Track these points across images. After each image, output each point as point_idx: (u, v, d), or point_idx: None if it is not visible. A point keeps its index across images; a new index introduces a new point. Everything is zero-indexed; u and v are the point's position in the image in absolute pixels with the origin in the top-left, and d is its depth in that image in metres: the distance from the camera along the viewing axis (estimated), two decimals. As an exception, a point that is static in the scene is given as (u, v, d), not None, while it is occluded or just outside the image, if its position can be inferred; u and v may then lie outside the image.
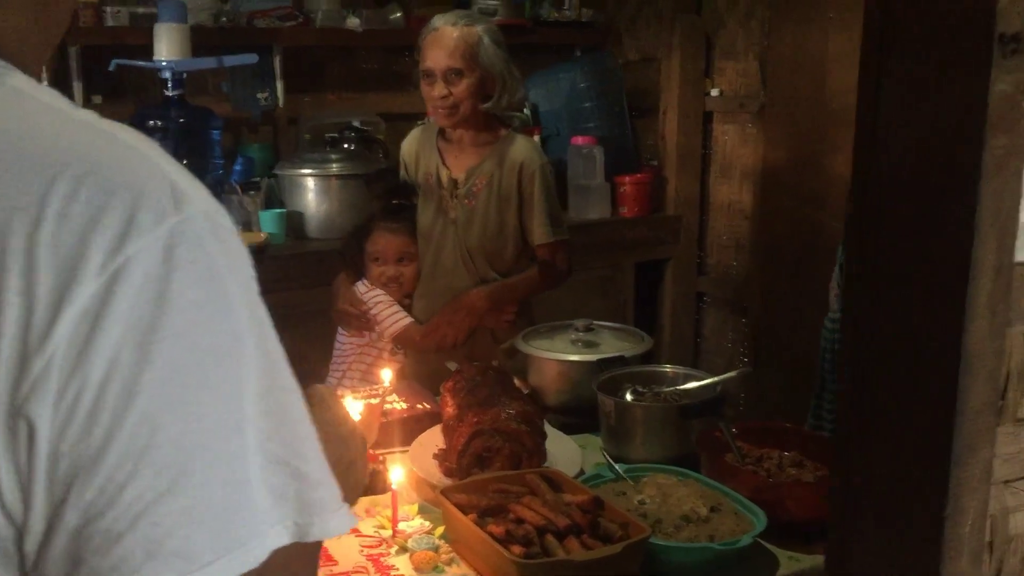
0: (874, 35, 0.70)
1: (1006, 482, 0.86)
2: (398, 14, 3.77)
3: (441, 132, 2.55)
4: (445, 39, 2.38)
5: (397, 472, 1.52)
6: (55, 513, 0.47)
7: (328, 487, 0.56)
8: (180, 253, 0.51)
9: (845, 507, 0.76)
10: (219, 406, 0.51)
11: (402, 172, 2.64)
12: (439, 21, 2.43)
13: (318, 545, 0.57)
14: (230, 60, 3.35)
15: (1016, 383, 0.83)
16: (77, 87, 3.42)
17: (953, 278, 0.67)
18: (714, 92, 3.84)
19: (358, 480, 0.84)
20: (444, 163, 2.52)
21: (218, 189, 3.38)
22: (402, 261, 2.55)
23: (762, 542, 1.52)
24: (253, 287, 0.57)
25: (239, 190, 3.36)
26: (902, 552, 0.72)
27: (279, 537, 0.51)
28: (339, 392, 2.08)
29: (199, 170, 3.34)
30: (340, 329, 2.64)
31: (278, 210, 3.34)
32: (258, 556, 0.50)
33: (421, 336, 2.49)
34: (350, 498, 0.84)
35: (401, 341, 2.54)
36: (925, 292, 0.71)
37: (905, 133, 0.71)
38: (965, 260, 0.66)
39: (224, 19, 3.51)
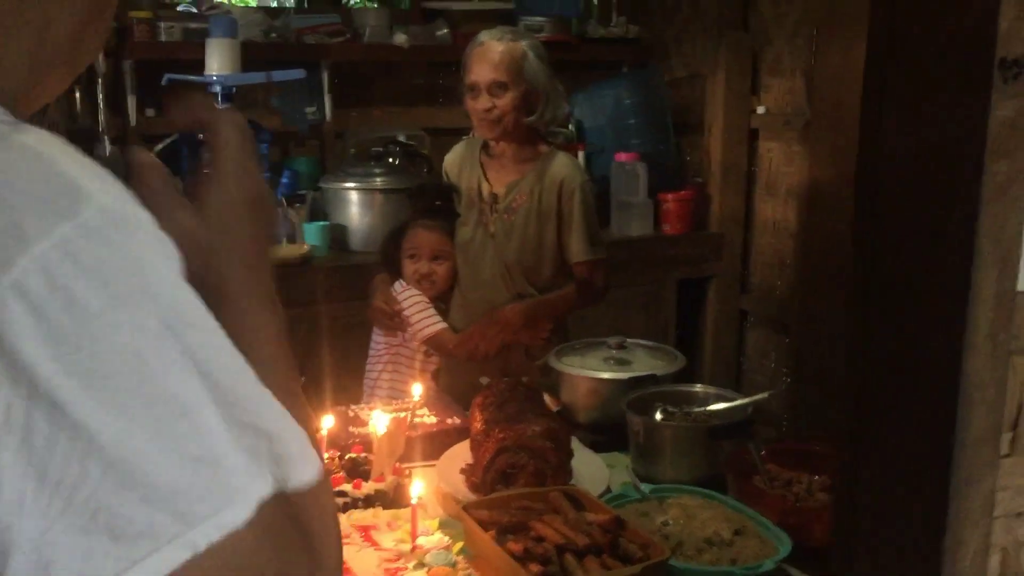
0: (878, 58, 0.69)
1: (1019, 514, 0.83)
2: (444, 30, 3.80)
3: (484, 147, 2.57)
4: (490, 53, 2.41)
5: (417, 486, 1.53)
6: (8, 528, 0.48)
7: (294, 440, 0.56)
8: (82, 255, 0.50)
9: (848, 538, 0.75)
10: (156, 397, 0.50)
11: (444, 180, 2.67)
12: (485, 36, 2.46)
13: (300, 505, 0.56)
14: (279, 75, 3.41)
15: (1028, 414, 0.81)
16: (131, 101, 3.51)
17: (953, 305, 0.66)
18: (760, 109, 3.81)
19: (269, 213, 0.78)
20: (486, 177, 2.55)
21: (264, 201, 3.44)
22: (437, 259, 2.57)
23: (786, 567, 1.49)
24: (171, 274, 0.55)
25: (285, 203, 3.41)
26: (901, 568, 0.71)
27: (264, 486, 0.51)
28: (373, 404, 2.09)
29: (246, 183, 3.40)
30: (375, 329, 2.67)
31: (322, 223, 3.38)
32: (248, 507, 0.50)
33: (453, 345, 2.51)
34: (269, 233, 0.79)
35: (432, 345, 2.56)
36: (926, 319, 0.70)
37: (907, 157, 0.69)
38: (965, 287, 0.64)
39: (274, 35, 3.58)
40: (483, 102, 2.41)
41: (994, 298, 0.65)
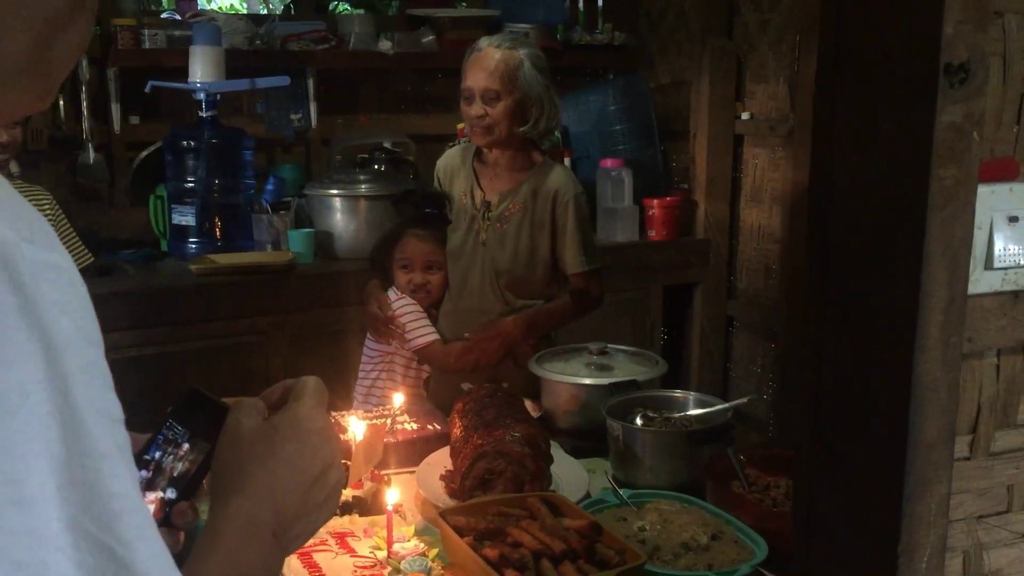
0: (828, 62, 0.69)
1: (979, 518, 0.84)
2: (430, 37, 3.81)
3: (478, 153, 2.57)
4: (486, 60, 2.41)
5: (393, 493, 1.53)
6: None
7: None
8: None
9: (805, 542, 0.75)
10: None
11: (436, 184, 2.66)
12: (484, 42, 2.46)
13: None
14: (263, 82, 3.41)
15: (987, 416, 0.82)
16: (115, 108, 3.51)
17: (904, 310, 0.66)
18: (745, 116, 3.82)
19: (334, 489, 0.79)
20: (479, 184, 2.54)
21: (248, 208, 3.44)
22: (430, 269, 2.57)
23: (763, 571, 1.49)
24: (59, 329, 0.45)
25: (269, 209, 3.41)
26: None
27: None
28: (352, 411, 2.09)
29: (230, 190, 3.41)
30: (368, 337, 2.66)
31: (307, 230, 3.38)
32: None
33: (455, 358, 2.49)
34: (328, 507, 0.79)
35: (423, 356, 2.55)
36: (878, 323, 0.70)
37: (857, 162, 0.70)
38: (914, 291, 0.65)
39: (259, 42, 3.58)
40: (476, 109, 2.41)
41: (945, 301, 0.66)
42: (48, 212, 2.65)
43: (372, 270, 2.70)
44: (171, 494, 0.74)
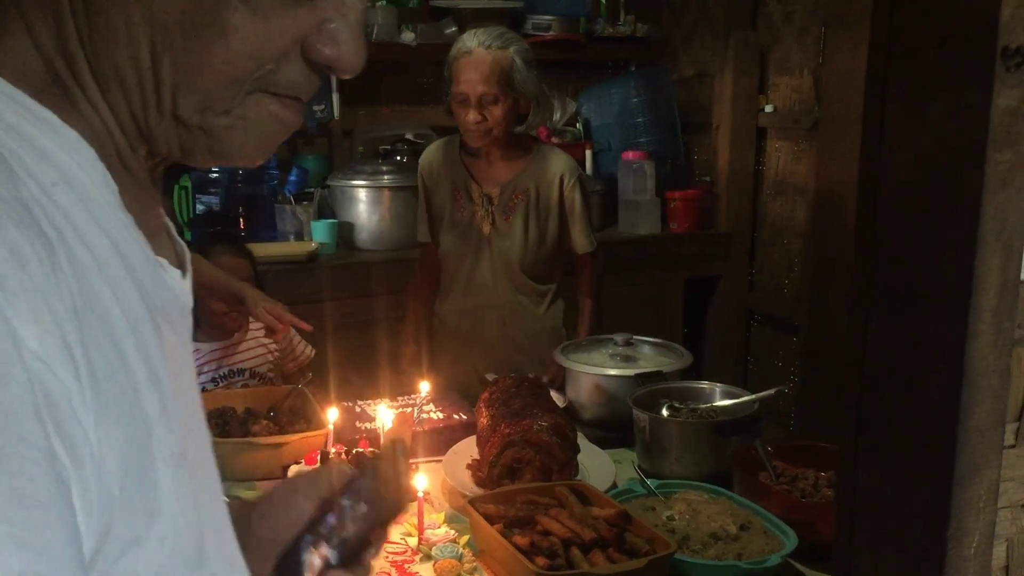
0: (880, 47, 0.69)
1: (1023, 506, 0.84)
2: (453, 28, 3.81)
3: (464, 146, 2.53)
4: (479, 64, 2.34)
5: (422, 480, 1.54)
6: None
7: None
8: None
9: (849, 526, 0.75)
10: None
11: (420, 185, 2.60)
12: (472, 42, 2.37)
13: None
14: (287, 73, 3.42)
15: (1034, 404, 0.81)
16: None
17: (956, 294, 0.66)
18: (768, 108, 3.80)
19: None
20: (473, 178, 2.52)
21: (272, 199, 3.45)
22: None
23: (792, 562, 1.50)
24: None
25: (292, 200, 3.43)
26: (905, 573, 0.71)
27: None
28: (370, 402, 2.09)
29: (254, 180, 3.42)
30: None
31: (330, 220, 3.39)
32: None
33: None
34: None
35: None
36: (929, 308, 0.70)
37: (910, 147, 0.70)
38: (968, 276, 0.64)
39: (282, 33, 3.58)
40: (473, 115, 2.36)
41: (998, 286, 0.65)
42: None
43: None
44: (333, 557, 0.75)
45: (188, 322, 0.65)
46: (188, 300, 0.65)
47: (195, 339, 2.39)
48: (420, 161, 2.62)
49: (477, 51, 2.35)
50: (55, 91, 0.56)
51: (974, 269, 0.64)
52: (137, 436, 0.52)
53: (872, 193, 0.73)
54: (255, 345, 2.45)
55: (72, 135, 0.55)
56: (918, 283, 0.71)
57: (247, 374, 2.41)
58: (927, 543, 0.71)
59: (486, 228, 2.49)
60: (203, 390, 2.31)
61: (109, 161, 0.57)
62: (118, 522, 0.49)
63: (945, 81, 0.67)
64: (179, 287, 0.63)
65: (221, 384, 2.35)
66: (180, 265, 0.67)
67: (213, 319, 2.33)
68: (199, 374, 2.33)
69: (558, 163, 2.49)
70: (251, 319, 2.35)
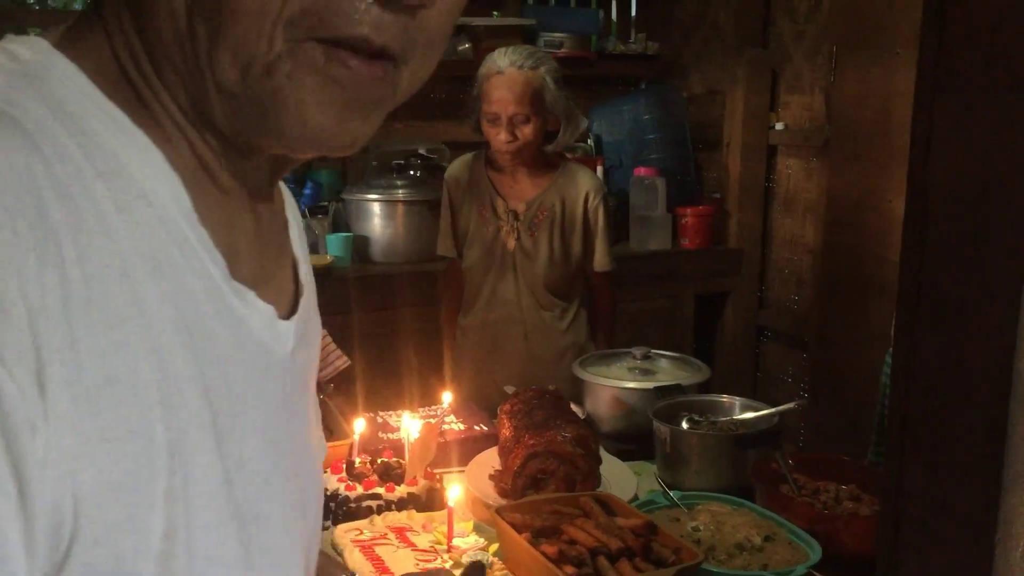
0: (928, 65, 0.71)
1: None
2: (466, 45, 3.85)
3: (490, 162, 2.57)
4: (511, 84, 2.38)
5: (455, 489, 1.55)
6: None
7: None
8: None
9: (894, 534, 0.77)
10: None
11: (445, 199, 2.64)
12: (503, 61, 2.41)
13: None
14: (303, 88, 3.46)
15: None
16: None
17: (1004, 304, 0.68)
18: (779, 126, 3.84)
19: None
20: (499, 194, 2.55)
21: (287, 212, 3.48)
22: None
23: (816, 574, 1.51)
24: None
25: (307, 213, 3.46)
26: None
27: None
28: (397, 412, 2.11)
29: (270, 193, 3.45)
30: None
31: (344, 234, 3.42)
32: None
33: None
34: None
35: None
36: (976, 318, 0.72)
37: (957, 161, 0.72)
38: (1017, 286, 0.67)
39: (298, 48, 3.62)
40: (504, 135, 2.40)
41: (1046, 297, 0.68)
42: None
43: None
44: None
45: (274, 362, 0.57)
46: (280, 342, 0.58)
47: None
48: (446, 176, 2.65)
49: (509, 70, 2.39)
50: (126, 91, 0.52)
51: (1022, 279, 0.67)
52: (131, 464, 0.46)
53: (919, 206, 0.75)
54: None
55: (141, 138, 0.51)
56: (965, 293, 0.73)
57: None
58: (975, 549, 0.72)
59: (511, 243, 2.52)
60: None
61: (184, 166, 0.53)
62: (84, 551, 0.44)
63: (992, 98, 0.70)
64: (261, 321, 0.56)
65: None
66: (286, 300, 0.61)
67: None
68: None
69: (584, 181, 2.53)
70: None
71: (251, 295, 0.56)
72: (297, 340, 0.61)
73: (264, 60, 0.49)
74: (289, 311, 0.62)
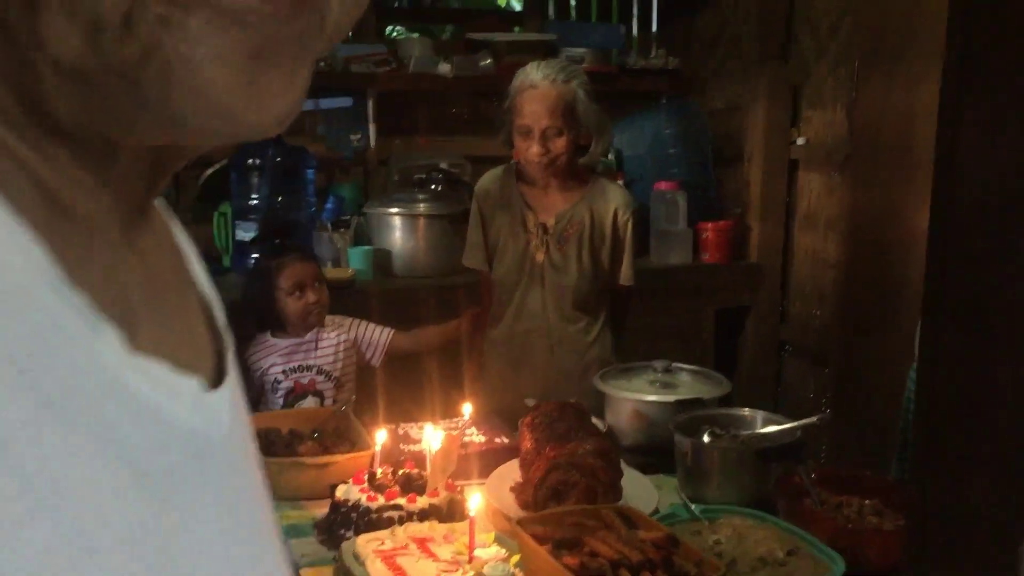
0: (954, 75, 0.72)
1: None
2: (488, 60, 3.87)
3: (520, 175, 2.59)
4: (544, 98, 2.40)
5: (476, 499, 1.56)
6: None
7: None
8: None
9: (920, 547, 0.77)
10: None
11: (474, 208, 2.66)
12: (536, 75, 2.43)
13: None
14: (326, 103, 3.50)
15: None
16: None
17: (1030, 313, 0.68)
18: (800, 141, 3.83)
19: None
20: (529, 207, 2.56)
21: (310, 226, 3.51)
22: (315, 285, 2.60)
23: (839, 588, 1.50)
24: None
25: (330, 227, 3.48)
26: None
27: None
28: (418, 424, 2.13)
29: (293, 207, 3.48)
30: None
31: (366, 247, 3.44)
32: None
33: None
34: None
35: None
36: (1002, 333, 0.72)
37: (982, 169, 0.72)
38: (1042, 297, 0.67)
39: (322, 63, 3.66)
40: (537, 148, 2.42)
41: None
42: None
43: (256, 326, 2.63)
44: None
45: (210, 452, 0.39)
46: (213, 422, 0.40)
47: (275, 334, 2.55)
48: (476, 189, 2.68)
49: (542, 84, 2.42)
50: None
51: (1048, 289, 0.67)
52: None
53: (943, 220, 0.75)
54: (327, 346, 2.62)
55: None
56: (993, 308, 0.73)
57: (315, 370, 2.58)
58: (1000, 560, 0.72)
59: (540, 256, 2.53)
60: (273, 380, 2.55)
61: (27, 207, 0.32)
62: None
63: (1018, 111, 0.70)
64: (182, 402, 0.37)
65: (290, 376, 2.55)
66: (207, 362, 0.44)
67: (296, 317, 2.55)
68: (271, 366, 2.55)
69: (614, 196, 2.55)
70: (327, 322, 2.62)
71: (161, 369, 0.37)
72: (232, 414, 0.42)
73: (119, 8, 0.31)
74: (214, 376, 0.43)
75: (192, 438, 0.38)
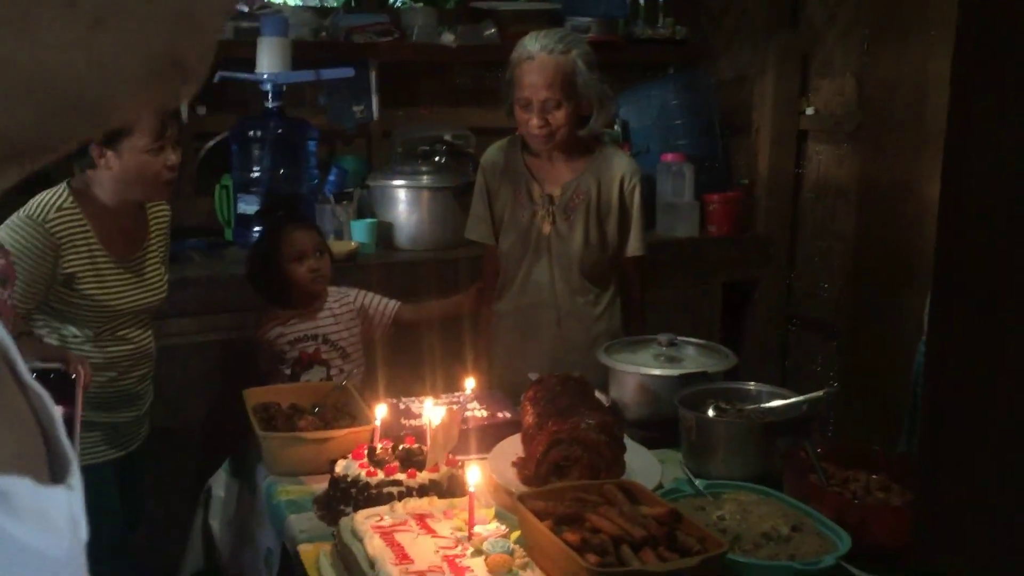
0: (967, 38, 0.68)
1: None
2: (492, 30, 3.81)
3: (525, 147, 2.55)
4: (542, 69, 2.36)
5: (474, 474, 1.54)
6: None
7: None
8: None
9: (927, 522, 0.74)
10: None
11: (479, 181, 2.63)
12: (534, 46, 2.39)
13: None
14: (328, 74, 3.44)
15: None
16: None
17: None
18: (809, 111, 3.77)
19: None
20: (535, 178, 2.53)
21: (313, 198, 3.47)
22: (318, 253, 2.59)
23: (845, 565, 1.48)
24: None
25: (332, 200, 3.44)
26: (986, 568, 0.70)
27: None
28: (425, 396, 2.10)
29: (295, 180, 3.45)
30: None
31: (369, 220, 3.40)
32: None
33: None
34: None
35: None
36: (1013, 307, 0.69)
37: (995, 144, 0.69)
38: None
39: (324, 34, 3.61)
40: (536, 120, 2.39)
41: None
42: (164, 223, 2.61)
43: (268, 298, 2.62)
44: None
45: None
46: (70, 529, 0.31)
47: (280, 305, 2.56)
48: (481, 161, 2.65)
49: (540, 56, 2.37)
50: None
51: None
52: None
53: (955, 191, 0.72)
54: (332, 315, 2.62)
55: None
56: (1000, 281, 0.70)
57: (320, 339, 2.58)
58: (1009, 537, 0.69)
59: (546, 228, 2.51)
60: (279, 351, 2.57)
61: None
62: None
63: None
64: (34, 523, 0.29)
65: (296, 346, 2.56)
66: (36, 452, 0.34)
67: (300, 285, 2.56)
68: (277, 337, 2.57)
69: (620, 164, 2.51)
70: (328, 290, 2.64)
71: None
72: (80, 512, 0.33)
73: None
74: (49, 468, 0.34)
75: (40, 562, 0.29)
